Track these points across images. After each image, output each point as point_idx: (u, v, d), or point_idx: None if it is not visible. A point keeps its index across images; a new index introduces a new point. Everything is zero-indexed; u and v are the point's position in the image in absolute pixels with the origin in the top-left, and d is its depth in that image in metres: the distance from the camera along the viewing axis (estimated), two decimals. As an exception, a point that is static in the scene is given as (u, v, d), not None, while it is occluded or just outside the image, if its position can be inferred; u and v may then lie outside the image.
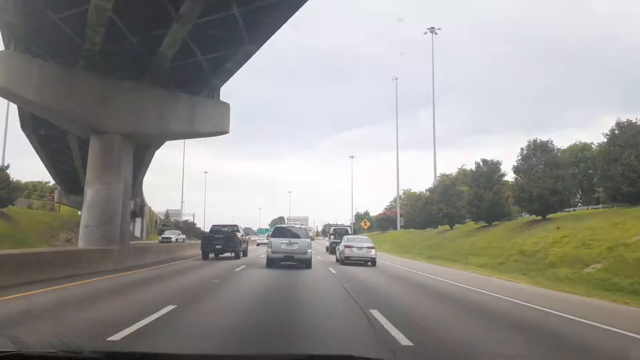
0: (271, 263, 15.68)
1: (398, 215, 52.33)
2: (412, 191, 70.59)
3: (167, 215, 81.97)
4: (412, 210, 43.99)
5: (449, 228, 32.81)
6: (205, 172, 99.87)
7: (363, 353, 3.40)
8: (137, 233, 50.00)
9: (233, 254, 20.33)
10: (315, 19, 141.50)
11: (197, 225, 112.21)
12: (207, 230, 25.59)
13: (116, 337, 4.78)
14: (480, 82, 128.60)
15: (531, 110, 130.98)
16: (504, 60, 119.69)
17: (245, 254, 21.56)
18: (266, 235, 26.22)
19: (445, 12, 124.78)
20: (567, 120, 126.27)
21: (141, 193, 45.09)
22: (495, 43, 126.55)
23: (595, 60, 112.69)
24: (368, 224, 51.30)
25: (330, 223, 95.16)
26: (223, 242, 20.87)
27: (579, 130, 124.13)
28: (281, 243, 16.21)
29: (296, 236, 16.52)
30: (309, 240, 16.32)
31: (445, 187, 35.86)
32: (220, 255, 20.21)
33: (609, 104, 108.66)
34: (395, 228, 54.12)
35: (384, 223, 60.63)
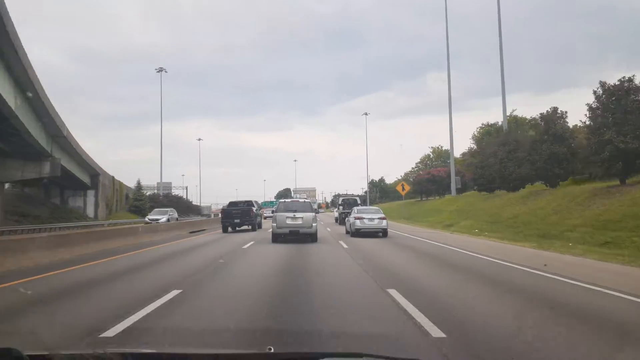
0: (276, 238, 15.85)
1: (453, 172, 40.96)
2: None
3: (138, 185, 65.37)
4: (482, 164, 32.09)
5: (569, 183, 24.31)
6: (199, 139, 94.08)
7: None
8: (90, 211, 42.98)
9: (250, 227, 23.23)
10: None
11: (193, 201, 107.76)
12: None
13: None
14: (491, 43, 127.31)
15: (540, 70, 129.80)
16: (513, 18, 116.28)
17: (260, 227, 24.39)
18: (272, 209, 26.36)
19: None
20: (579, 79, 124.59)
21: (87, 157, 38.39)
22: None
23: (610, 14, 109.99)
24: (407, 187, 38.14)
25: (340, 193, 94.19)
26: (241, 216, 23.93)
27: (589, 89, 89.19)
28: (286, 217, 16.45)
29: (301, 210, 16.76)
30: (313, 214, 16.62)
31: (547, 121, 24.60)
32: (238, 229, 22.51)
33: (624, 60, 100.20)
34: (443, 193, 45.40)
35: (426, 186, 46.97)
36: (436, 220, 27.02)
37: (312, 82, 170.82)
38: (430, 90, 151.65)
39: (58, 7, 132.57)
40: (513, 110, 54.51)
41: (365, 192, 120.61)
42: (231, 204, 26.10)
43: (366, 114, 78.04)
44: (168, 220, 30.30)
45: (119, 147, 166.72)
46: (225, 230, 23.28)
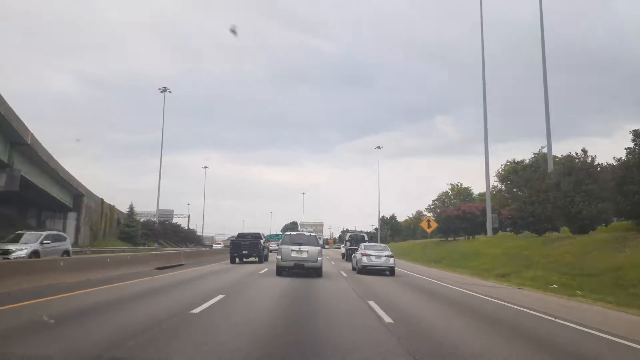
0: (280, 271, 16.19)
1: (489, 207, 37.06)
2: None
3: (131, 210, 59.13)
4: (530, 199, 27.68)
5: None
6: (205, 167, 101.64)
7: None
8: (69, 235, 33.95)
9: (257, 259, 24.85)
10: (331, 27, 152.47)
11: (196, 231, 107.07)
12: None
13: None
14: (498, 92, 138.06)
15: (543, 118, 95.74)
16: (519, 69, 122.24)
17: (266, 259, 25.59)
18: (278, 242, 26.56)
19: (465, 19, 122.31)
20: (586, 129, 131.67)
21: (67, 174, 35.01)
22: (512, 50, 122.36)
23: (615, 67, 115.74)
24: (434, 224, 32.60)
25: (348, 229, 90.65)
26: (249, 247, 25.41)
27: (600, 138, 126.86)
28: (291, 250, 16.61)
29: (306, 243, 16.92)
30: (319, 247, 16.67)
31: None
32: (245, 260, 25.08)
33: (629, 112, 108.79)
34: (474, 233, 41.07)
35: (454, 224, 40.63)
36: (479, 267, 22.52)
37: (320, 119, 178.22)
38: (438, 132, 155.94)
39: (64, 35, 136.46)
40: (542, 148, 53.89)
41: (376, 229, 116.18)
42: (240, 235, 27.65)
43: (379, 147, 76.70)
44: (35, 252, 17.39)
45: (131, 175, 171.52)
46: (233, 261, 24.36)
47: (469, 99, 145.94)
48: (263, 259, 24.77)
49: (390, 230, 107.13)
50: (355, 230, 52.14)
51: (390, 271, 18.34)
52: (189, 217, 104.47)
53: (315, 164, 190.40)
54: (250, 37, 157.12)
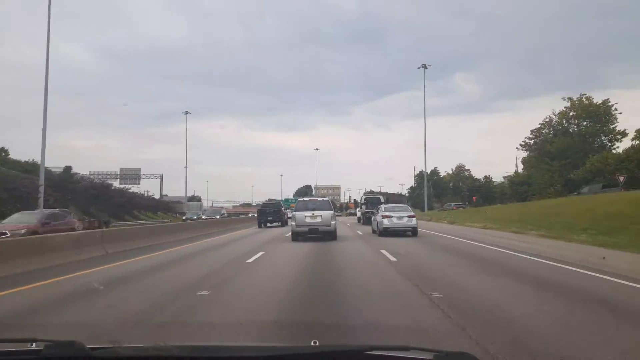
0: (296, 236, 18.58)
1: None
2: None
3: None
4: None
5: None
6: (186, 112, 79.78)
7: None
8: None
9: (280, 224, 34.03)
10: None
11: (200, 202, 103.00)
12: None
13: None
14: (522, 42, 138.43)
15: (574, 70, 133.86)
16: (545, 17, 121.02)
17: (286, 224, 33.17)
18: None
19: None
20: (610, 81, 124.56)
21: None
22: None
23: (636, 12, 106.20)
24: None
25: (374, 190, 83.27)
26: (272, 215, 34.39)
27: (625, 90, 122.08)
28: (305, 216, 18.51)
29: (320, 208, 18.76)
30: (332, 212, 19.05)
31: None
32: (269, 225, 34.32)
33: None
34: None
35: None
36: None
37: (336, 81, 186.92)
38: (459, 90, 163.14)
39: (82, 4, 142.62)
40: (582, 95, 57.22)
41: (411, 189, 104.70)
42: (264, 205, 37.57)
43: (424, 66, 59.20)
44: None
45: (143, 144, 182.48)
46: (260, 226, 33.69)
47: (490, 54, 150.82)
48: (284, 223, 34.18)
49: (433, 189, 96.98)
50: (372, 192, 49.34)
51: (413, 232, 20.35)
52: (161, 177, 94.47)
53: (331, 127, 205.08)
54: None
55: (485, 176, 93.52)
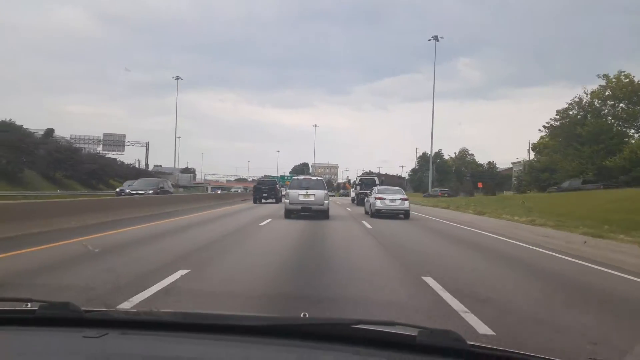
0: (289, 214, 19.25)
1: None
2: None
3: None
4: None
5: None
6: (177, 78, 79.13)
7: None
8: None
9: (274, 200, 35.84)
10: None
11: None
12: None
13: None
14: (524, 31, 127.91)
15: (579, 61, 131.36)
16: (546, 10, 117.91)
17: (280, 200, 34.05)
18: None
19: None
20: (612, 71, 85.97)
21: None
22: None
23: None
24: None
25: (372, 171, 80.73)
26: (267, 191, 36.28)
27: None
28: (298, 194, 18.99)
29: (313, 187, 19.39)
30: (325, 191, 19.60)
31: None
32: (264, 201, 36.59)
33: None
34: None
35: None
36: None
37: (338, 59, 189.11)
38: (461, 75, 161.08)
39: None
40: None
41: (413, 171, 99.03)
42: (260, 182, 40.72)
43: (436, 38, 56.25)
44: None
45: (144, 114, 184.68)
46: (255, 202, 35.72)
47: (494, 40, 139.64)
48: (278, 200, 35.56)
49: (437, 172, 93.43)
50: (371, 172, 52.72)
51: (405, 214, 20.92)
52: (147, 144, 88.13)
53: (330, 106, 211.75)
54: None
55: (489, 162, 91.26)
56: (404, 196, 21.35)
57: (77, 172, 52.24)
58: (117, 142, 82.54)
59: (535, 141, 78.79)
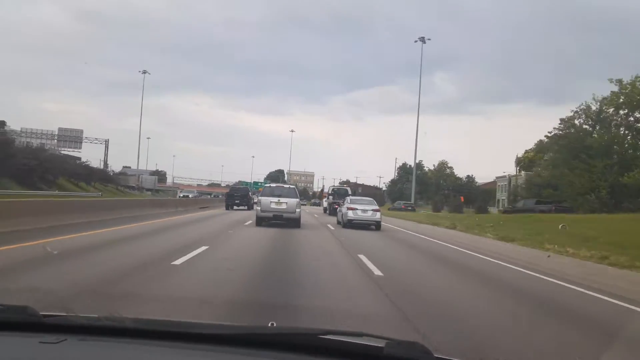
0: (260, 221, 19.65)
1: None
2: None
3: None
4: None
5: None
6: (145, 72, 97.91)
7: None
8: None
9: (246, 207, 36.52)
10: None
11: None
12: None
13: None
14: (498, 48, 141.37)
15: (547, 80, 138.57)
16: (524, 23, 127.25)
17: (252, 207, 34.27)
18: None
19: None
20: (584, 92, 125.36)
21: None
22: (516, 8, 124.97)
23: (618, 28, 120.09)
24: None
25: (349, 181, 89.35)
26: (240, 198, 37.16)
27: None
28: (270, 202, 19.32)
29: (285, 195, 19.73)
30: (297, 200, 20.11)
31: None
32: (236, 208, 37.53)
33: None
34: None
35: None
36: None
37: (316, 69, 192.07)
38: (437, 89, 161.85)
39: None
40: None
41: (392, 183, 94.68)
42: (232, 189, 43.31)
43: (423, 40, 54.09)
44: None
45: (115, 115, 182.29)
46: (227, 208, 36.29)
47: (472, 55, 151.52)
48: (250, 207, 35.64)
49: (417, 184, 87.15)
50: (348, 182, 60.07)
51: (376, 226, 21.68)
52: (106, 142, 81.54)
53: (307, 115, 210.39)
54: None
55: (468, 175, 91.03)
56: (376, 207, 22.08)
57: (9, 168, 44.32)
58: (73, 138, 75.47)
59: (520, 155, 75.35)
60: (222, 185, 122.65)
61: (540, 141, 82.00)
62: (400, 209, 55.97)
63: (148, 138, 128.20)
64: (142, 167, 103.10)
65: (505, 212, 42.55)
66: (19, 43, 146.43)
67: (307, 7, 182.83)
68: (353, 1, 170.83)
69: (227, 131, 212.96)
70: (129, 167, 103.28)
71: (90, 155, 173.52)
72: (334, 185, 44.48)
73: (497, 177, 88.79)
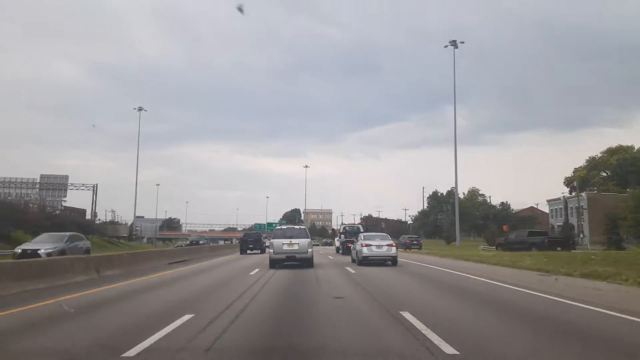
0: (274, 264, 20.20)
1: None
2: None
3: None
4: None
5: None
6: (140, 109, 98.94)
7: None
8: None
9: (259, 251, 40.74)
10: (340, 11, 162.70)
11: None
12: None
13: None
14: (508, 79, 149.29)
15: (559, 108, 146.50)
16: (531, 57, 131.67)
17: (264, 251, 38.43)
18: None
19: (472, 7, 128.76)
20: (596, 119, 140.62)
21: None
22: (524, 39, 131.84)
23: (629, 55, 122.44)
24: None
25: (372, 216, 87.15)
26: (253, 243, 41.46)
27: (613, 129, 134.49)
28: (282, 244, 19.93)
29: (297, 236, 20.46)
30: (309, 240, 20.89)
31: None
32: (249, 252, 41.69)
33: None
34: None
35: None
36: None
37: (329, 110, 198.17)
38: (449, 121, 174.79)
39: (75, 23, 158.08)
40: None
41: (422, 214, 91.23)
42: (246, 234, 47.39)
43: (455, 44, 48.89)
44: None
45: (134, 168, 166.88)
46: (242, 253, 39.87)
47: (480, 88, 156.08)
48: (263, 250, 40.04)
49: (445, 212, 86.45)
50: (370, 217, 60.76)
51: (393, 261, 21.72)
52: (94, 187, 74.11)
53: (322, 154, 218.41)
54: (258, 24, 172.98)
55: (502, 202, 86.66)
56: (391, 242, 22.21)
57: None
58: (57, 185, 70.39)
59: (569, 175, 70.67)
60: (239, 229, 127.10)
61: (593, 158, 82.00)
62: (405, 244, 50.21)
63: (157, 185, 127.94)
64: (152, 215, 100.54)
65: (498, 246, 36.60)
66: (38, 101, 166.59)
67: (317, 51, 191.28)
68: (361, 43, 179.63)
69: (244, 174, 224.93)
70: (142, 217, 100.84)
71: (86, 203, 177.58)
72: (345, 224, 46.61)
73: (548, 200, 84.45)
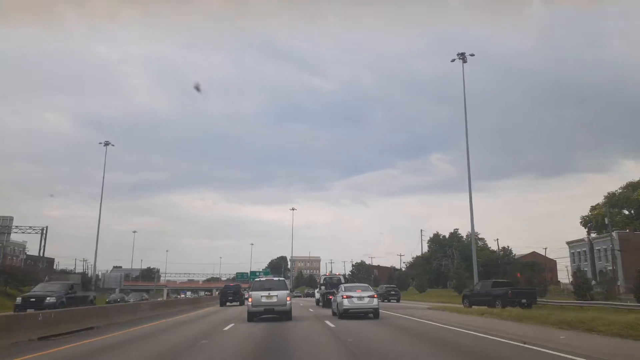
0: (252, 317, 20.61)
1: None
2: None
3: None
4: None
5: None
6: (107, 144, 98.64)
7: None
8: None
9: (238, 303, 44.31)
10: (326, 65, 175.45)
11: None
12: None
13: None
14: (491, 125, 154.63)
15: (542, 154, 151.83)
16: (514, 104, 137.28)
17: (244, 303, 39.61)
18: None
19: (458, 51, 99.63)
20: (580, 164, 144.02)
21: None
22: (506, 86, 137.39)
23: (608, 102, 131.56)
24: None
25: (365, 262, 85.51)
26: (232, 295, 43.98)
27: (595, 174, 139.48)
28: (261, 296, 19.95)
29: (276, 288, 20.45)
30: (287, 291, 21.27)
31: None
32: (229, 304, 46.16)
33: (624, 148, 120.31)
34: None
35: None
36: None
37: (317, 158, 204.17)
38: (434, 169, 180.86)
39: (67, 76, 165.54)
40: None
41: (424, 259, 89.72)
42: (226, 287, 48.16)
43: (463, 58, 42.21)
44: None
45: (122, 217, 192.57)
46: (222, 305, 43.23)
47: (464, 136, 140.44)
48: (242, 302, 42.04)
49: (458, 259, 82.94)
50: (362, 264, 61.94)
51: (374, 313, 21.58)
52: (44, 230, 68.45)
53: (310, 201, 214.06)
54: (248, 75, 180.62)
55: (504, 247, 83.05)
56: (372, 293, 22.29)
57: None
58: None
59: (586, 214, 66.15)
60: (223, 278, 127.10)
61: (612, 194, 77.66)
62: (382, 295, 45.65)
63: (134, 232, 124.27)
64: (136, 264, 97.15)
65: (464, 298, 31.76)
66: (32, 153, 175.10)
67: (302, 101, 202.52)
68: (348, 93, 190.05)
69: (230, 222, 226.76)
70: (120, 267, 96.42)
71: (59, 253, 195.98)
72: (325, 274, 46.56)
73: (568, 242, 77.35)
